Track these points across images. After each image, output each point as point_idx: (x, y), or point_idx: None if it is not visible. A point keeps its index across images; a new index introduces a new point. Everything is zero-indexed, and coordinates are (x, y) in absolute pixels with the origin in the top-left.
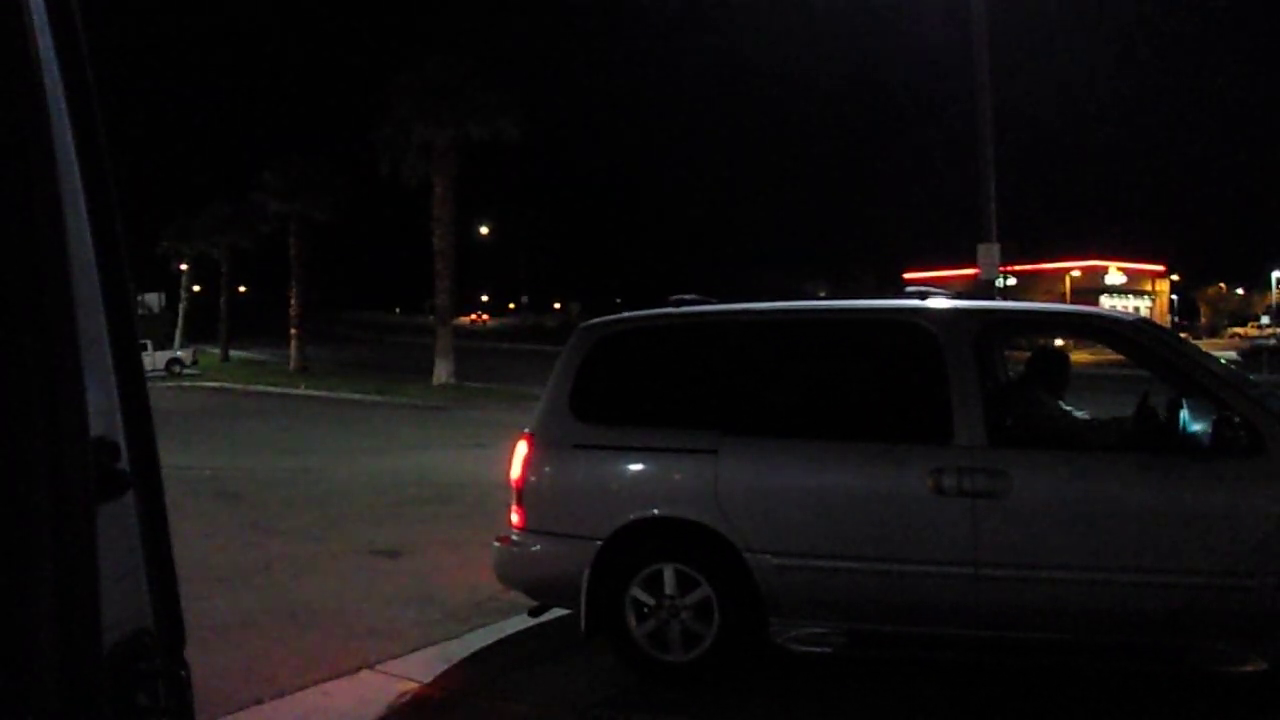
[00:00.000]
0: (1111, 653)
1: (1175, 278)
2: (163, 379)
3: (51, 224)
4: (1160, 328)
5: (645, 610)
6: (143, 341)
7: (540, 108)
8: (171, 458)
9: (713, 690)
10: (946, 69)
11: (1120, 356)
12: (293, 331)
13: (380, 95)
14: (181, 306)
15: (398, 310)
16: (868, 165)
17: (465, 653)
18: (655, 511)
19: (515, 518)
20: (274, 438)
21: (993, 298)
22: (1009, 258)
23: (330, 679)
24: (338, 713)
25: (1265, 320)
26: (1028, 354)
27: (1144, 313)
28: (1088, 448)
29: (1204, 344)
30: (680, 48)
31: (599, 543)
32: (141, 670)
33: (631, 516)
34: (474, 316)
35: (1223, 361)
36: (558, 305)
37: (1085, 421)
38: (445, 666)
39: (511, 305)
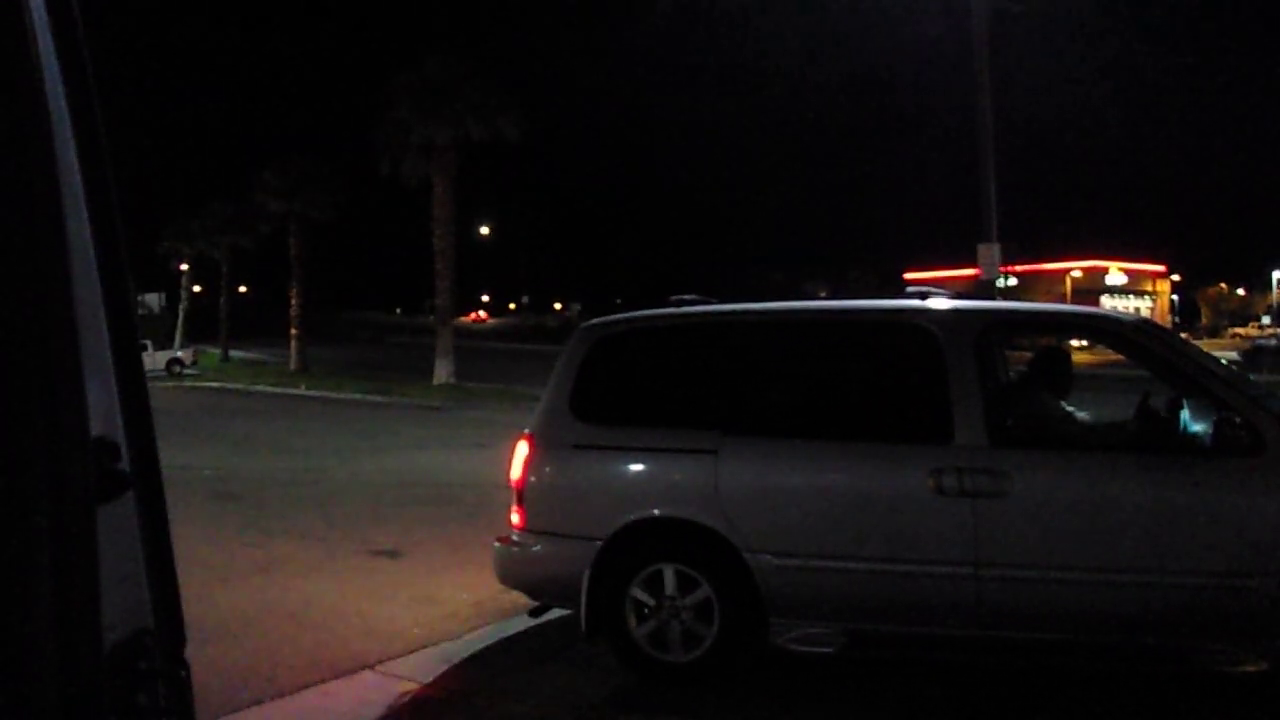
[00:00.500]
0: (1112, 653)
1: (1176, 278)
2: (163, 379)
3: (52, 224)
4: (1161, 328)
5: (645, 610)
6: (143, 341)
7: (540, 108)
8: (172, 458)
9: (713, 690)
10: (947, 69)
11: (1121, 357)
12: (293, 331)
13: (380, 95)
14: (182, 306)
15: (398, 310)
16: (869, 165)
17: (465, 653)
18: (656, 512)
19: (516, 518)
20: (274, 438)
21: (993, 298)
22: (1009, 258)
23: (330, 679)
24: (338, 713)
25: (1266, 320)
26: (1030, 355)
27: (1145, 313)
28: (1088, 448)
29: (1205, 344)
30: (680, 47)
31: (599, 543)
32: (141, 670)
33: (632, 517)
34: (474, 315)
35: (1223, 362)
36: (558, 305)
37: (1086, 421)
38: (445, 666)
39: (512, 305)
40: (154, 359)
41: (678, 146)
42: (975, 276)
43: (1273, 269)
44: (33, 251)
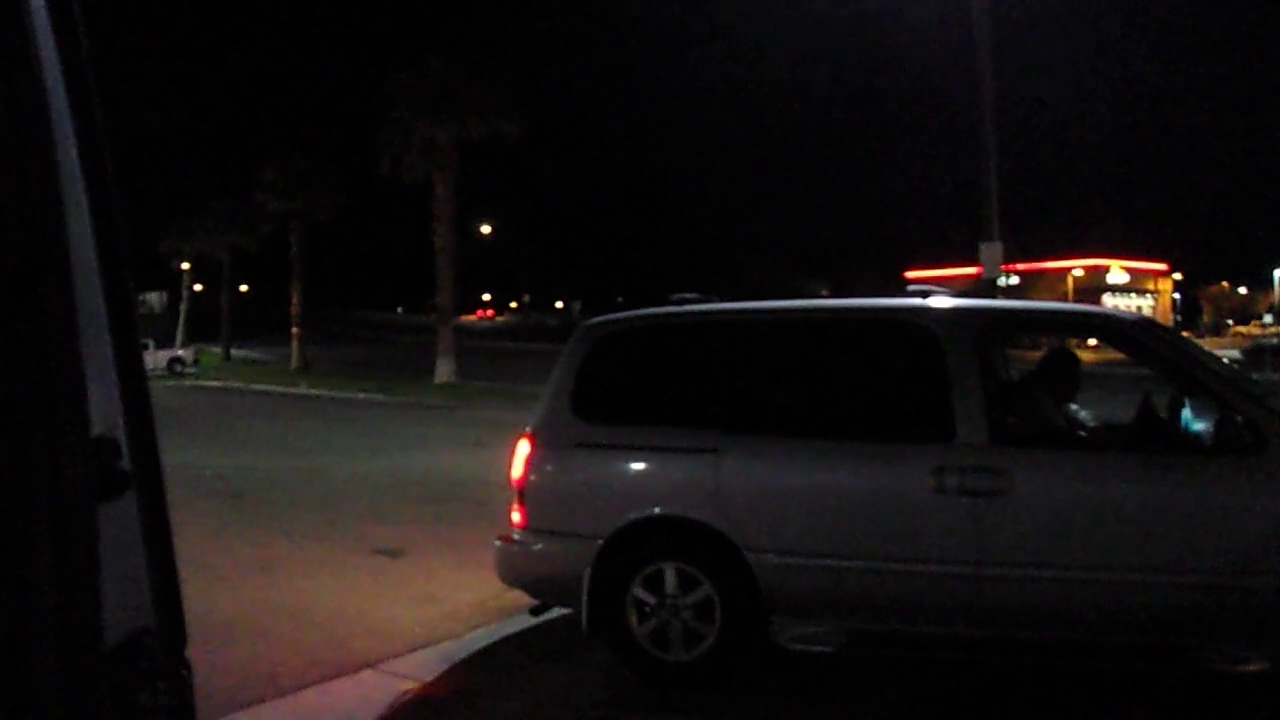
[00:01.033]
0: (1112, 653)
1: (1178, 276)
2: (164, 378)
3: (53, 223)
4: (1162, 326)
5: (646, 609)
6: (144, 340)
7: (540, 107)
8: (173, 457)
9: (713, 690)
10: (949, 68)
11: (1123, 355)
12: (294, 330)
13: (381, 94)
14: (183, 306)
15: (399, 309)
16: (870, 164)
17: (466, 652)
18: (657, 510)
19: (516, 517)
20: (275, 437)
21: (995, 297)
22: (1011, 257)
23: (331, 679)
24: (339, 712)
25: (1268, 319)
26: (1037, 355)
27: (1147, 311)
28: (1090, 446)
29: (1206, 343)
30: (681, 47)
31: (600, 542)
32: (142, 669)
33: (633, 515)
34: (480, 313)
35: (1225, 360)
36: (559, 304)
37: (1087, 420)
38: (446, 665)
39: (513, 304)
40: (155, 358)
41: (679, 145)
42: (977, 275)
43: (1275, 268)
44: (34, 251)
